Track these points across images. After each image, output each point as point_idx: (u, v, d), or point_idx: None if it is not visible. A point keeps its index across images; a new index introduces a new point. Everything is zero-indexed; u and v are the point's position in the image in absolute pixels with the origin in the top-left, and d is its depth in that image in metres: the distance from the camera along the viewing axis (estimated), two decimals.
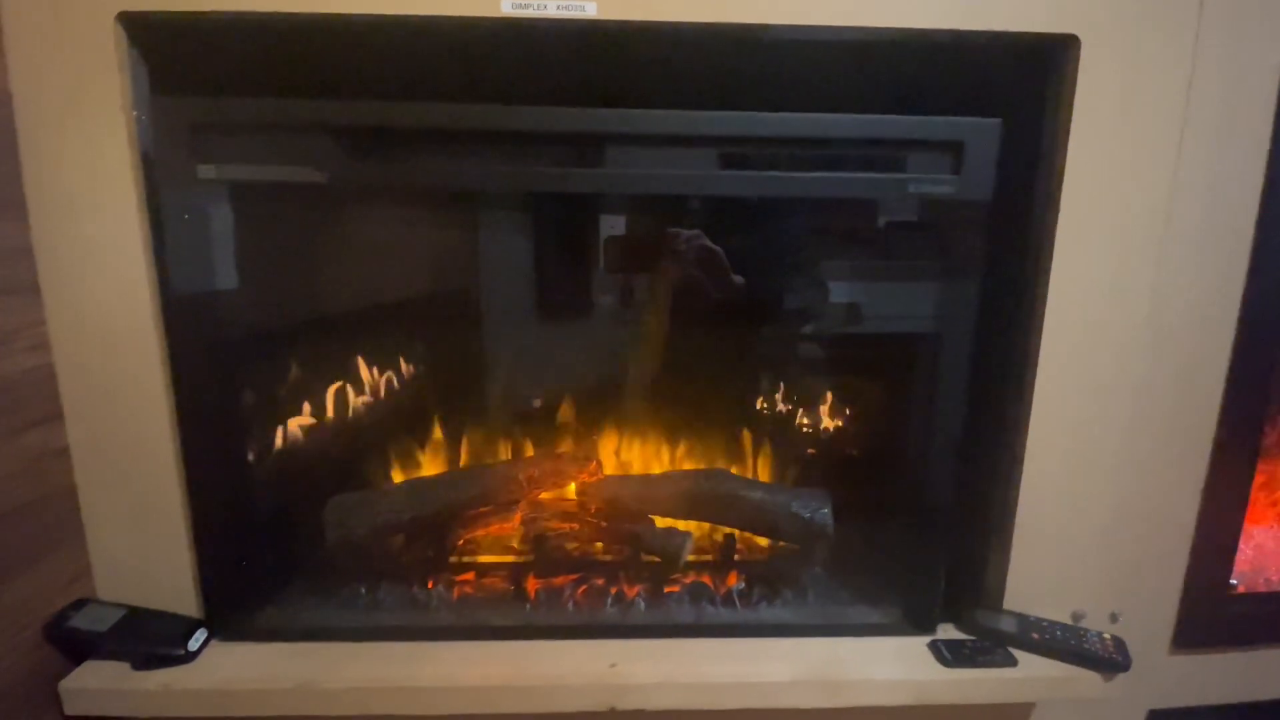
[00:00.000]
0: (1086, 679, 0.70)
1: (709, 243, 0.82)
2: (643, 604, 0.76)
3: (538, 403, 0.91)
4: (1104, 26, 0.63)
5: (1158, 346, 0.70)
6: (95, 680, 0.66)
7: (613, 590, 0.77)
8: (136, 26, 0.62)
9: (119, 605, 0.70)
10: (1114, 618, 0.76)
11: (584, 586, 0.78)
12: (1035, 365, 0.70)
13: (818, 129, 0.64)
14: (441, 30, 0.62)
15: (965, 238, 0.68)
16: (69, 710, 0.65)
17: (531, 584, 0.78)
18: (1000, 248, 0.69)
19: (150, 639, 0.68)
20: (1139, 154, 0.66)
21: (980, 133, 0.64)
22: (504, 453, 0.89)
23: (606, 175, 0.66)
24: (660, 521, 0.81)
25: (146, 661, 0.67)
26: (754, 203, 0.82)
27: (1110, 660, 0.70)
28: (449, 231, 0.90)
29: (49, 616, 0.66)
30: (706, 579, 0.79)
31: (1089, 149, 0.65)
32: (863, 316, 0.82)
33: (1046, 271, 0.68)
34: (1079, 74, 0.64)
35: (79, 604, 0.68)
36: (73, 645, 0.67)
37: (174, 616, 0.71)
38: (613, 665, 0.69)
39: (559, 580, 0.78)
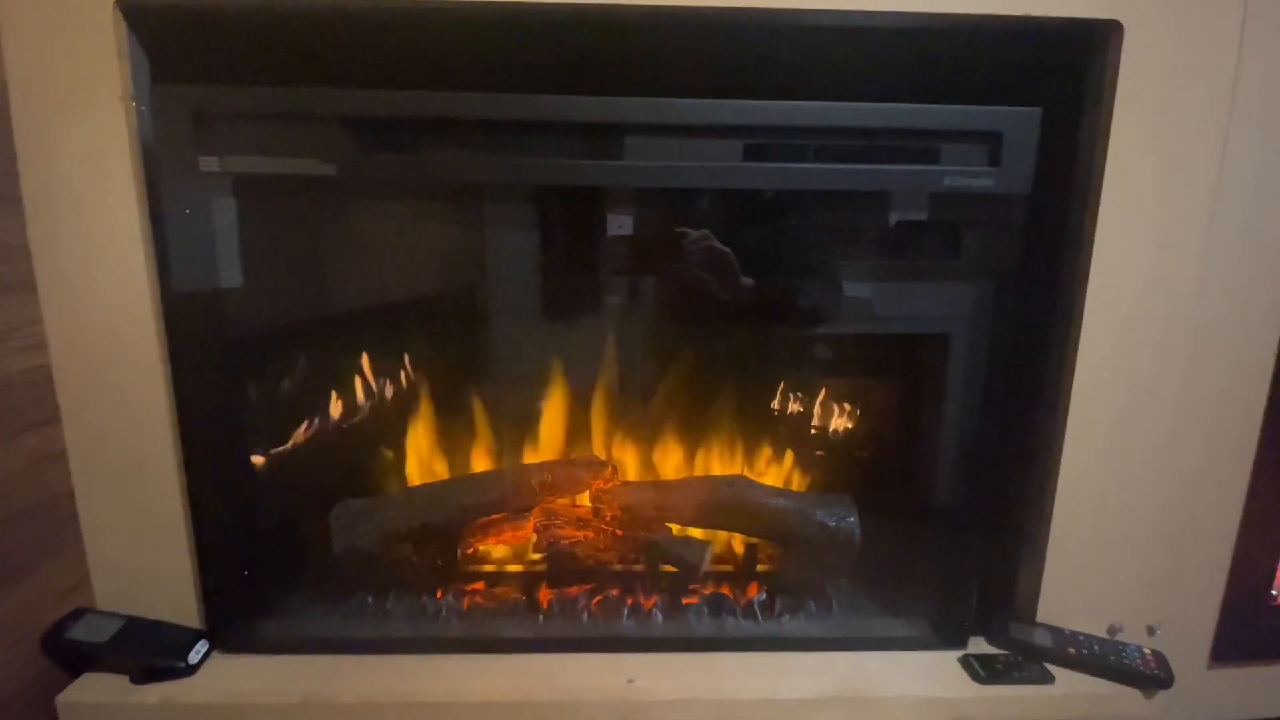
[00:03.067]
0: (1128, 696, 0.67)
1: (717, 243, 0.79)
2: (660, 616, 0.74)
3: (541, 405, 0.89)
4: (1147, 11, 0.61)
5: (1200, 349, 0.68)
6: (93, 694, 0.64)
7: (629, 601, 0.75)
8: (136, 14, 0.60)
9: (118, 615, 0.68)
10: (1151, 630, 0.74)
11: (599, 597, 0.75)
12: (1072, 368, 0.67)
13: (849, 119, 0.62)
14: (453, 16, 0.61)
15: (1000, 233, 0.65)
16: None
17: (544, 594, 0.76)
18: (1036, 244, 0.66)
19: (150, 651, 0.66)
20: (1183, 145, 0.63)
21: (1019, 123, 0.62)
22: (514, 457, 0.86)
23: (627, 168, 0.63)
24: (678, 530, 0.78)
25: (146, 674, 0.65)
26: (770, 199, 0.79)
27: (1152, 676, 0.67)
28: (455, 229, 0.88)
29: (46, 627, 0.64)
30: (726, 590, 0.77)
31: (1131, 140, 0.63)
32: (885, 318, 0.79)
33: (1085, 269, 0.65)
34: (1121, 61, 0.61)
35: (77, 614, 0.67)
36: (70, 657, 0.65)
37: (175, 627, 0.69)
38: (630, 680, 0.67)
39: (573, 590, 0.76)
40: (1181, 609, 0.75)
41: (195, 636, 0.68)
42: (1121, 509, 0.70)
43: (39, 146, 0.60)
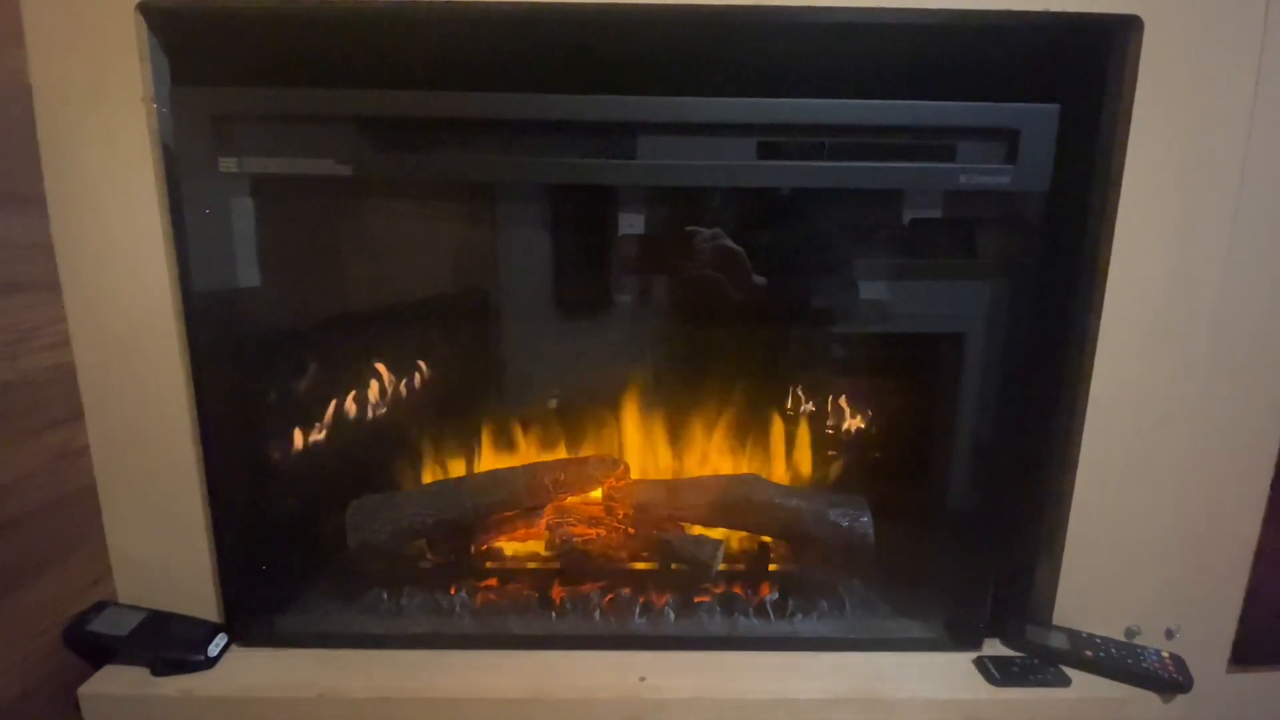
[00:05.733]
0: (1146, 700, 0.66)
1: (729, 242, 0.78)
2: (672, 614, 0.74)
3: (554, 403, 0.89)
4: (1168, 6, 0.60)
5: (1222, 348, 0.67)
6: (114, 686, 0.65)
7: (641, 599, 0.75)
8: (156, 17, 0.61)
9: (139, 609, 0.69)
10: (1170, 634, 0.73)
11: (611, 595, 0.75)
12: (1090, 368, 0.66)
13: (864, 116, 0.61)
14: (469, 17, 0.61)
15: (1017, 231, 0.64)
16: (88, 717, 0.64)
17: (557, 591, 0.76)
18: (1055, 241, 0.65)
19: (170, 643, 0.67)
20: (1205, 141, 0.62)
21: (1037, 119, 0.61)
22: (528, 455, 0.87)
23: (641, 166, 0.63)
24: (691, 528, 0.78)
25: (166, 666, 0.66)
26: (782, 198, 0.79)
27: (1170, 680, 0.66)
28: (469, 228, 0.88)
29: (69, 620, 0.65)
30: (739, 589, 0.76)
31: (1151, 136, 0.62)
32: (901, 317, 0.79)
33: (1104, 268, 0.64)
34: (1141, 57, 0.60)
35: (99, 607, 0.68)
36: (92, 649, 0.66)
37: (194, 620, 0.69)
38: (642, 678, 0.67)
39: (585, 588, 0.76)
40: (1201, 612, 0.73)
41: (214, 630, 0.69)
42: (1140, 510, 0.69)
43: (61, 148, 0.61)
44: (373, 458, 0.85)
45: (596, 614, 0.74)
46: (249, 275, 0.67)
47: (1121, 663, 0.67)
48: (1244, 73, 0.61)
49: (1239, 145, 0.62)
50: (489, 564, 0.81)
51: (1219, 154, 0.62)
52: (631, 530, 0.78)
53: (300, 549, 0.78)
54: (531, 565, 0.81)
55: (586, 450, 0.86)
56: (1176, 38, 0.60)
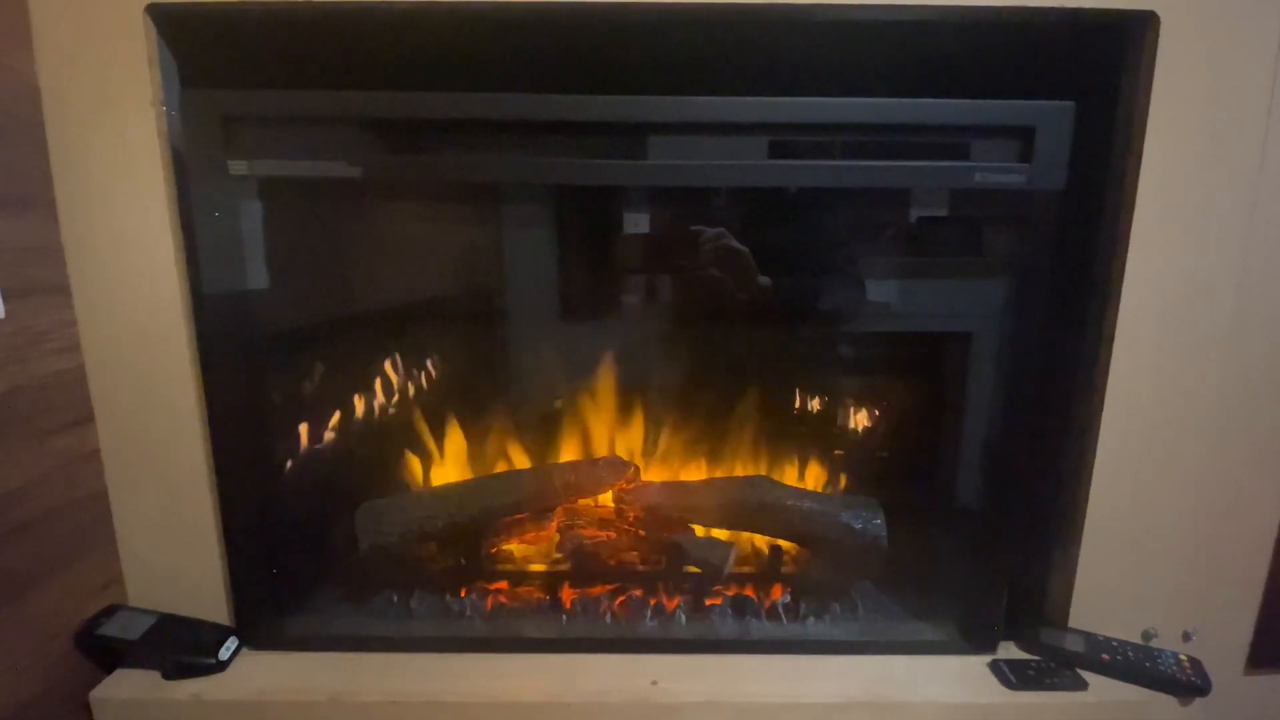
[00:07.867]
0: (1163, 703, 0.66)
1: (733, 242, 0.78)
2: (683, 617, 0.73)
3: (559, 404, 0.88)
4: (1185, 2, 0.59)
5: (1240, 347, 0.66)
6: (126, 689, 0.65)
7: (652, 602, 0.74)
8: (165, 19, 0.60)
9: (150, 612, 0.69)
10: (1187, 636, 0.72)
11: (622, 598, 0.75)
12: (1107, 367, 0.65)
13: (877, 115, 0.61)
14: (478, 18, 0.60)
15: (1032, 229, 0.64)
16: None
17: (567, 594, 0.75)
18: (1070, 240, 0.64)
19: (181, 647, 0.67)
20: (1222, 139, 0.61)
21: (1052, 117, 0.60)
22: (538, 457, 0.86)
23: (651, 167, 0.63)
24: (701, 531, 0.77)
25: (177, 670, 0.66)
26: (789, 197, 0.78)
27: (1188, 683, 0.65)
28: (475, 229, 0.88)
29: (80, 623, 0.65)
30: (750, 591, 0.76)
31: (1168, 135, 0.61)
32: (913, 316, 0.78)
33: (1120, 267, 0.64)
34: (1158, 54, 0.60)
35: (110, 610, 0.68)
36: (104, 653, 0.66)
37: (205, 624, 0.70)
38: (654, 682, 0.66)
39: (596, 591, 0.76)
40: (1218, 614, 0.73)
41: (225, 633, 0.69)
42: (1157, 512, 0.68)
43: (71, 151, 0.61)
44: (382, 461, 0.84)
45: (607, 617, 0.73)
46: (258, 277, 0.67)
47: (1138, 666, 0.67)
48: (1262, 69, 0.60)
49: (1256, 143, 0.61)
50: (499, 567, 0.80)
51: (1236, 151, 0.61)
52: (642, 533, 0.77)
53: (310, 552, 0.77)
54: (542, 568, 0.81)
55: (596, 452, 0.86)
56: (1193, 34, 0.59)
